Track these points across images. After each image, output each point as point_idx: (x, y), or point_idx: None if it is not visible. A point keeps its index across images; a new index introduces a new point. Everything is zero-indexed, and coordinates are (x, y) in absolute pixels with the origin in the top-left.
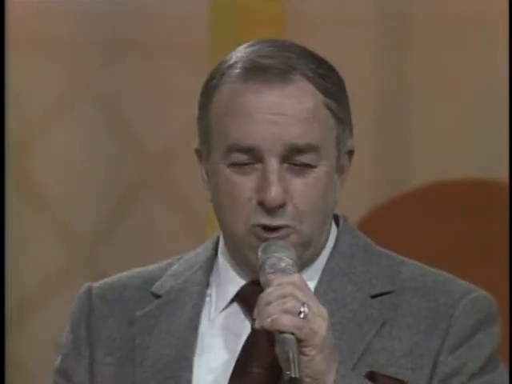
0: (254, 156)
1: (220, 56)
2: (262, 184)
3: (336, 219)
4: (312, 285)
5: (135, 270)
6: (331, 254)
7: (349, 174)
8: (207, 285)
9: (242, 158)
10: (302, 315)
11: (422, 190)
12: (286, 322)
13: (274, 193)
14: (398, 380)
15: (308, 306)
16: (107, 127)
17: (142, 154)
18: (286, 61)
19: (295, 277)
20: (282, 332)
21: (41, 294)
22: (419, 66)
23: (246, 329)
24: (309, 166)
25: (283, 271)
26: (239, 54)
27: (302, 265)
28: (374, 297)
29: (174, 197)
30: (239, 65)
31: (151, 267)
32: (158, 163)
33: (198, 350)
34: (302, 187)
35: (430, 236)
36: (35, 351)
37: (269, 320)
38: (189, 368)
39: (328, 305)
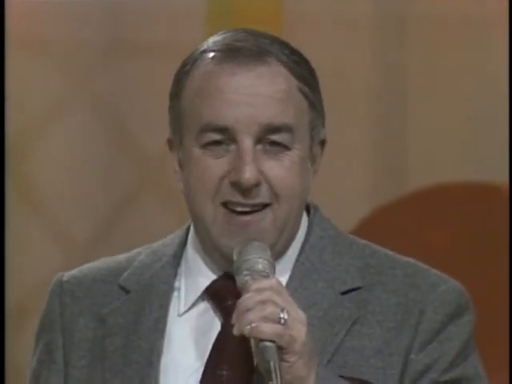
0: (228, 136)
1: None
2: (236, 164)
3: (307, 208)
4: (283, 280)
5: (104, 260)
6: (302, 248)
7: (320, 165)
8: (175, 277)
9: (215, 137)
10: (281, 321)
11: (421, 193)
12: (267, 329)
13: (249, 172)
14: (366, 382)
15: (287, 312)
16: (105, 129)
17: (139, 156)
18: (260, 44)
19: (273, 281)
20: (262, 340)
21: (39, 296)
22: (418, 67)
23: (215, 328)
24: (283, 148)
25: (260, 274)
26: (212, 40)
27: (275, 254)
28: (343, 293)
29: (172, 199)
30: (212, 48)
31: (120, 257)
32: (155, 165)
33: (165, 353)
34: (278, 169)
35: (428, 239)
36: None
37: (248, 327)
38: (155, 375)
39: (299, 303)
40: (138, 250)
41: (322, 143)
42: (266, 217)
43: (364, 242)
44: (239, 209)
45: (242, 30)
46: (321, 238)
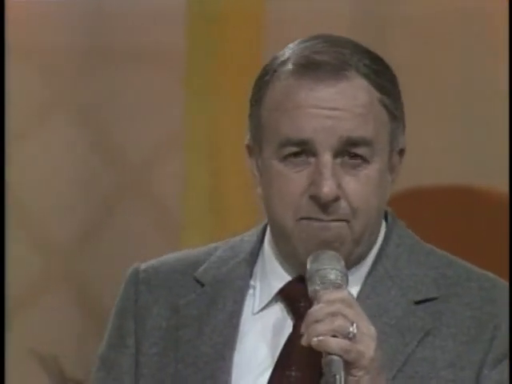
0: (308, 150)
1: (198, 64)
2: (316, 178)
3: (385, 215)
4: (357, 288)
5: (182, 252)
6: (378, 255)
7: (399, 173)
8: (250, 276)
9: (295, 149)
10: (350, 335)
11: (399, 196)
12: (333, 344)
13: (328, 187)
14: None
15: (357, 326)
16: (87, 136)
17: (121, 164)
18: (340, 56)
19: (344, 293)
20: (329, 353)
21: (18, 304)
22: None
23: (287, 328)
24: (362, 161)
25: (332, 284)
26: (292, 50)
27: (351, 263)
28: (417, 303)
29: (153, 207)
30: (292, 61)
31: (198, 250)
32: (137, 172)
33: (237, 349)
34: (355, 184)
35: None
36: (13, 361)
37: (315, 339)
38: (227, 369)
39: (370, 310)
40: (216, 244)
41: (401, 152)
42: (344, 230)
43: (442, 252)
44: (318, 223)
45: (321, 38)
46: (397, 245)
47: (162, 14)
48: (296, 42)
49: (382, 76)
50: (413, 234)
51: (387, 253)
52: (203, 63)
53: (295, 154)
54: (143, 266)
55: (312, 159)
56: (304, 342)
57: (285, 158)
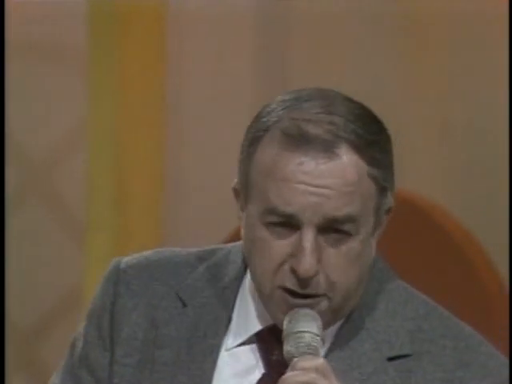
0: (293, 223)
1: (100, 59)
2: (297, 252)
3: None
4: (330, 338)
5: (165, 254)
6: (357, 305)
7: (384, 226)
8: (233, 306)
9: (280, 219)
10: None
11: None
12: None
13: (308, 265)
14: None
15: None
16: None
17: (21, 160)
18: (332, 129)
19: (319, 361)
20: None
21: None
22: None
23: (257, 374)
24: (346, 235)
25: (308, 347)
26: (284, 109)
27: (329, 325)
28: (390, 359)
29: (56, 203)
30: (284, 126)
31: (181, 255)
32: (39, 169)
33: None
34: (335, 258)
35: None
36: None
37: None
38: None
39: (342, 363)
40: (199, 251)
41: (389, 210)
42: (322, 303)
43: (422, 297)
44: (295, 300)
45: (316, 101)
46: (376, 293)
47: (63, 8)
48: (287, 97)
49: (373, 147)
50: (394, 277)
51: (364, 301)
52: (105, 59)
53: (279, 224)
54: (124, 263)
55: (296, 231)
56: None
57: (269, 224)
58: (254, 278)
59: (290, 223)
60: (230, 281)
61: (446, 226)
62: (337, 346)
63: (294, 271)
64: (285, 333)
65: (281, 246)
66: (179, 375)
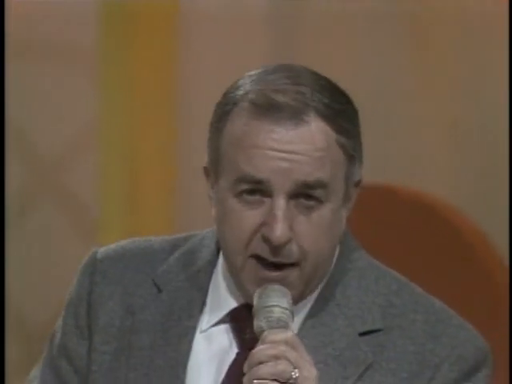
0: (263, 190)
1: (112, 59)
2: (269, 220)
3: None
4: (302, 315)
5: (142, 243)
6: (327, 283)
7: (354, 200)
8: (207, 288)
9: (250, 187)
10: (291, 381)
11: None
12: None
13: (280, 231)
14: None
15: (299, 370)
16: None
17: (34, 159)
18: (299, 97)
19: (289, 334)
20: None
21: None
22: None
23: (231, 353)
24: (317, 202)
25: (278, 321)
26: (252, 81)
27: (299, 299)
28: (362, 334)
29: (67, 203)
30: (252, 97)
31: (157, 243)
32: (50, 168)
33: (189, 366)
34: (306, 226)
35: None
36: None
37: (257, 382)
38: None
39: (314, 340)
40: (175, 238)
41: (358, 183)
42: (293, 273)
43: (393, 274)
44: (267, 271)
45: (283, 72)
46: (348, 271)
47: (76, 8)
48: (256, 72)
49: (341, 116)
50: (365, 255)
51: (336, 279)
52: (116, 59)
53: (250, 192)
54: (100, 253)
55: (266, 199)
56: (246, 382)
57: (240, 194)
58: (225, 253)
59: (260, 190)
60: (203, 264)
61: (458, 225)
62: (310, 323)
63: (266, 239)
64: (255, 308)
65: (252, 216)
66: (156, 359)
